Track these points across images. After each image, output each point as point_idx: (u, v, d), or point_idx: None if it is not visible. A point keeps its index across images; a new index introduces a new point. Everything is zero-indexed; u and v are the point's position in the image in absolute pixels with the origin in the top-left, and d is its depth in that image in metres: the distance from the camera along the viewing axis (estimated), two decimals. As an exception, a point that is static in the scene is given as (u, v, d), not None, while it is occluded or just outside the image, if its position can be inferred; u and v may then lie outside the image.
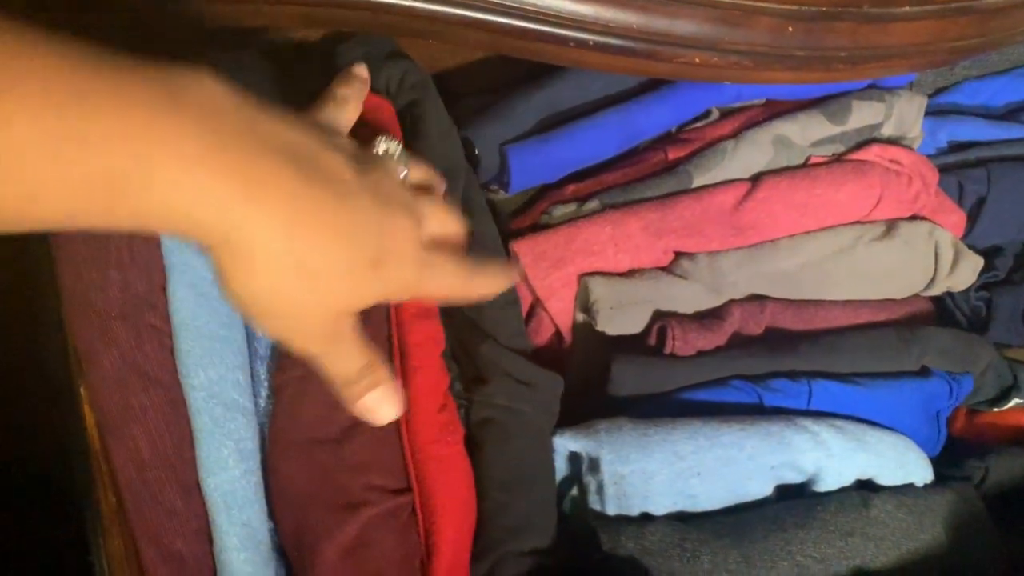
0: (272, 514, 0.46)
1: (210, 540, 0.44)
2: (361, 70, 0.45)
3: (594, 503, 0.55)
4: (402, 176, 0.41)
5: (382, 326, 0.48)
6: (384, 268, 0.35)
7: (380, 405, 0.39)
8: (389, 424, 0.47)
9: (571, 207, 0.63)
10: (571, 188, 0.65)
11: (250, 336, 0.46)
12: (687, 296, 0.62)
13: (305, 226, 0.31)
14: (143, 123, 0.27)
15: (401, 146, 0.42)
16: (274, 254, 0.31)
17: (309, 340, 0.36)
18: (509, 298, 0.54)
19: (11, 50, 0.25)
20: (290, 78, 0.53)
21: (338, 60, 0.55)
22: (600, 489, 0.54)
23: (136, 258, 0.44)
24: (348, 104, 0.42)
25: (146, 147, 0.27)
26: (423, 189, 0.44)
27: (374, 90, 0.54)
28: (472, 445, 0.50)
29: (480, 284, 0.43)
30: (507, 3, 0.48)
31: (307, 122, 0.34)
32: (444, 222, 0.41)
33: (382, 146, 0.41)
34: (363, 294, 0.35)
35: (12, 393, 0.57)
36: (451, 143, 0.55)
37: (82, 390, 0.44)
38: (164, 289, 0.44)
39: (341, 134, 0.39)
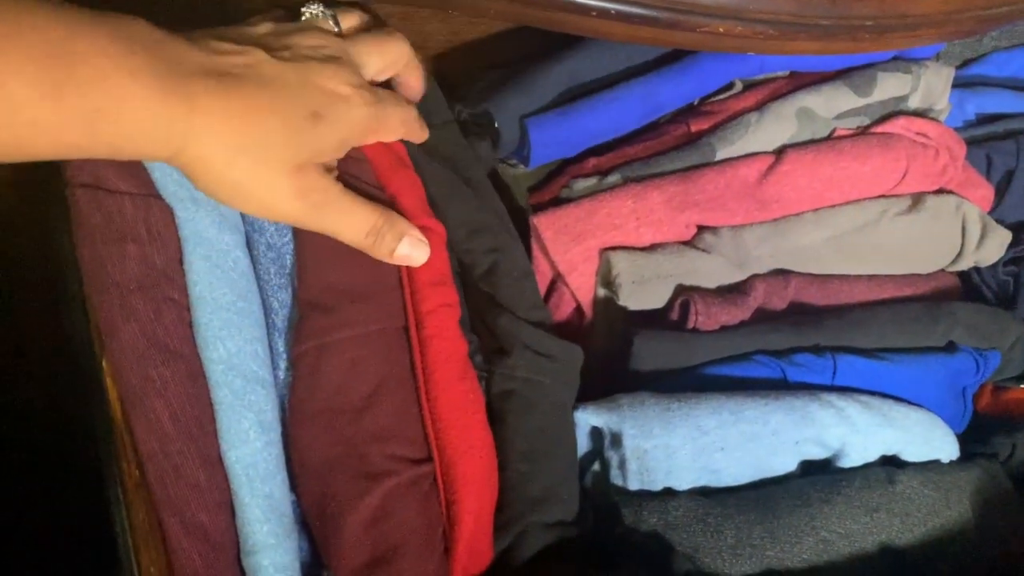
0: (294, 486, 0.46)
1: (233, 512, 0.44)
2: None
3: (616, 478, 0.54)
4: (333, 29, 0.47)
5: (396, 294, 0.48)
6: (325, 117, 0.41)
7: (412, 252, 0.46)
8: (409, 393, 0.47)
9: (592, 181, 0.62)
10: (592, 162, 0.64)
11: (267, 308, 0.46)
12: (710, 270, 0.62)
13: (236, 115, 0.39)
14: (111, 69, 0.35)
15: (323, 6, 0.47)
16: (219, 145, 0.39)
17: (292, 209, 0.42)
18: (523, 270, 0.53)
19: (11, 9, 0.33)
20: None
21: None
22: (622, 464, 0.53)
23: (152, 232, 0.44)
24: (272, 11, 0.48)
25: (115, 89, 0.35)
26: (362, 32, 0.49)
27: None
28: (493, 417, 0.50)
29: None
30: (528, -29, 0.47)
31: (220, 32, 0.42)
32: (382, 52, 0.47)
33: (307, 13, 0.47)
34: (313, 144, 0.41)
35: (37, 367, 0.57)
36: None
37: (104, 363, 0.44)
38: (181, 262, 0.44)
39: (260, 24, 0.45)
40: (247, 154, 0.39)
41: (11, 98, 0.33)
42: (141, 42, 0.37)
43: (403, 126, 0.48)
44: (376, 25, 0.50)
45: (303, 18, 0.47)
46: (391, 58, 0.48)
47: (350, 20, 0.49)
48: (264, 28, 0.44)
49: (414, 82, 0.51)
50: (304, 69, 0.42)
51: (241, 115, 0.39)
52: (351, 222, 0.44)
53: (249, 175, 0.40)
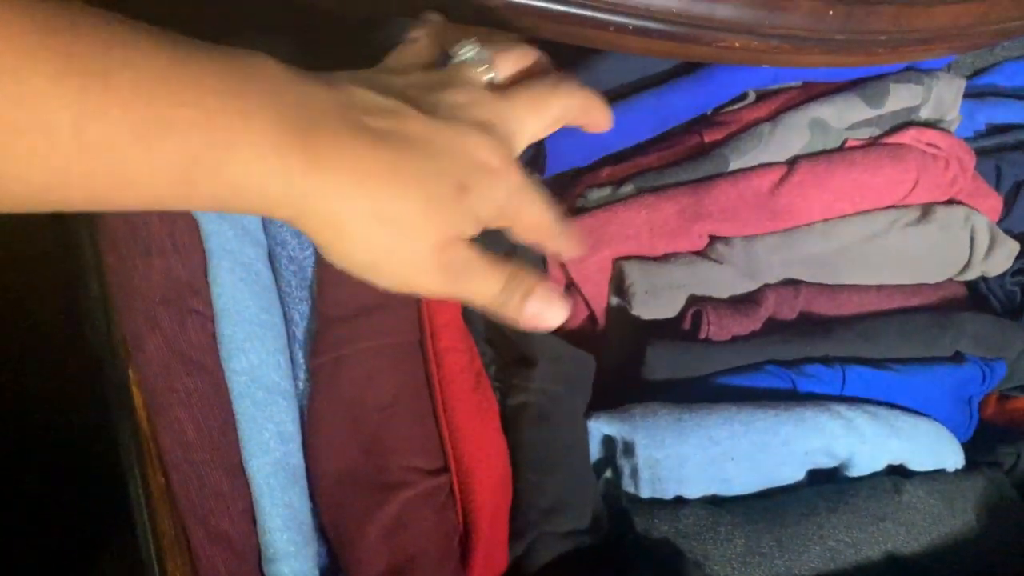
0: (312, 494, 0.47)
1: (254, 520, 0.45)
2: (432, 14, 0.44)
3: (628, 486, 0.55)
4: (487, 79, 0.40)
5: (411, 307, 0.48)
6: (471, 190, 0.35)
7: (544, 311, 0.38)
8: (424, 404, 0.47)
9: (606, 191, 0.63)
10: (606, 171, 0.65)
11: (288, 320, 0.47)
12: (722, 281, 0.62)
13: (372, 179, 0.33)
14: (216, 110, 0.29)
15: (479, 48, 0.40)
16: (352, 212, 0.33)
17: (430, 282, 0.36)
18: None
19: (103, 40, 0.27)
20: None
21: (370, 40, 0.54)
22: (634, 473, 0.54)
23: (178, 244, 0.45)
24: (419, 42, 0.41)
25: (219, 134, 0.29)
26: (521, 80, 0.41)
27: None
28: (507, 427, 0.51)
29: (561, 236, 0.41)
30: (547, -12, 0.48)
31: (362, 79, 0.36)
32: (541, 113, 0.40)
33: (460, 55, 0.40)
34: (456, 222, 0.35)
35: (55, 369, 0.57)
36: None
37: (131, 373, 0.44)
38: (206, 274, 0.45)
39: (409, 71, 0.39)
40: (386, 225, 0.34)
41: (97, 141, 0.27)
42: (262, 78, 0.31)
43: (534, 230, 0.40)
44: (536, 71, 0.42)
45: (454, 60, 0.40)
46: (552, 118, 0.40)
47: (506, 66, 0.41)
48: (413, 78, 0.38)
49: (600, 121, 0.43)
50: (454, 132, 0.36)
51: (377, 179, 0.33)
52: (483, 287, 0.37)
53: (387, 249, 0.34)
